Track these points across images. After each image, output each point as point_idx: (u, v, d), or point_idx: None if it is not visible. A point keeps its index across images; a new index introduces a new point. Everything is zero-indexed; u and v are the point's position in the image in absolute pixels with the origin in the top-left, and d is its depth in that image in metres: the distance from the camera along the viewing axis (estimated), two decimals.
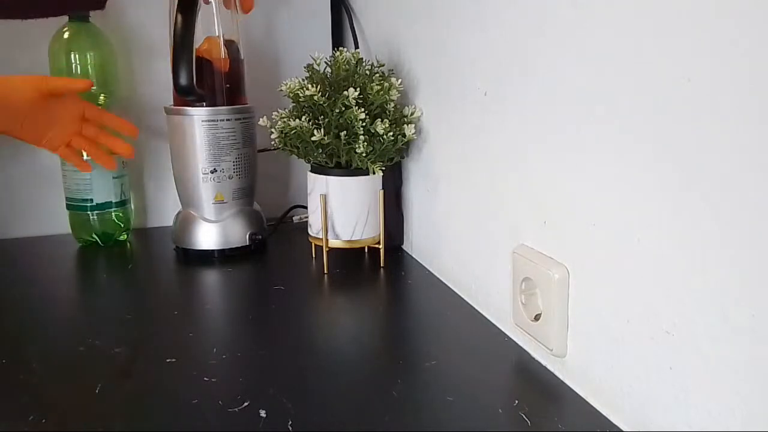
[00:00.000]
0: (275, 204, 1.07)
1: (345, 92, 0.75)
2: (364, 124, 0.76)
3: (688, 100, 0.37)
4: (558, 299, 0.51)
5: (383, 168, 0.78)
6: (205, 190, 0.88)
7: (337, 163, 0.79)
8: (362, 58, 0.80)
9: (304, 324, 0.66)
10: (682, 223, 0.39)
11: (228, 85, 0.87)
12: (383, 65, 0.82)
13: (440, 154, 0.76)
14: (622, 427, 0.46)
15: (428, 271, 0.81)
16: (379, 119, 0.76)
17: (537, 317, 0.55)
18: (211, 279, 0.82)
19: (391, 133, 0.76)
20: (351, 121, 0.75)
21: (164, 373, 0.55)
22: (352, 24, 1.02)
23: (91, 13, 0.93)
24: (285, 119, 0.77)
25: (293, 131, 0.77)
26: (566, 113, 0.50)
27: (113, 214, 0.96)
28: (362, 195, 0.80)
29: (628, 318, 0.44)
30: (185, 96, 0.82)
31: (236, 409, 0.49)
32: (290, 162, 1.13)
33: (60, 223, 0.98)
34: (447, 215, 0.75)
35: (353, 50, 0.83)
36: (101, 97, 0.94)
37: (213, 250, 0.88)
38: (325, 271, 0.81)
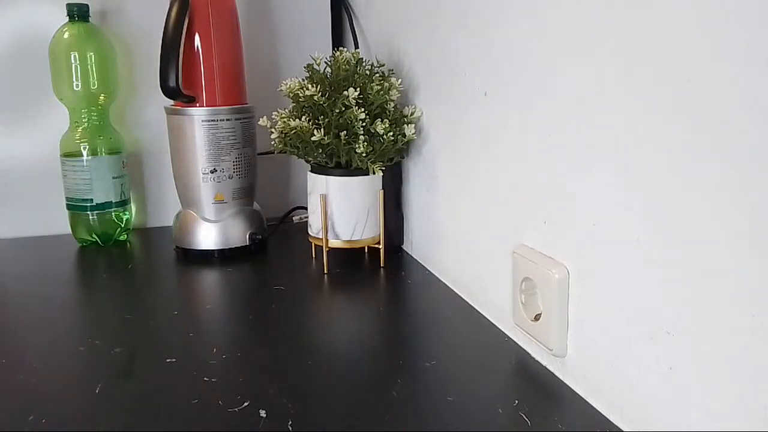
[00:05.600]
0: (275, 204, 1.07)
1: (345, 92, 0.75)
2: (364, 124, 0.76)
3: (688, 100, 0.37)
4: (558, 299, 0.51)
5: (383, 168, 0.78)
6: (205, 190, 0.88)
7: (337, 163, 0.79)
8: (362, 58, 0.80)
9: (304, 324, 0.66)
10: (682, 223, 0.39)
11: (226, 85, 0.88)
12: (383, 65, 0.82)
13: (440, 154, 0.76)
14: (622, 427, 0.46)
15: (428, 271, 0.81)
16: (379, 119, 0.76)
17: (537, 317, 0.55)
18: (211, 279, 0.82)
19: (391, 133, 0.76)
20: (351, 121, 0.75)
21: (164, 373, 0.55)
22: (352, 24, 1.02)
23: (91, 12, 0.93)
24: (285, 119, 0.77)
25: (293, 131, 0.77)
26: (566, 113, 0.50)
27: (113, 214, 0.96)
28: (362, 195, 0.80)
29: (628, 318, 0.44)
30: (171, 98, 0.83)
31: (236, 409, 0.49)
32: (290, 162, 1.13)
33: (60, 223, 0.98)
34: (447, 215, 0.75)
35: (353, 50, 0.83)
36: (101, 97, 0.94)
37: (213, 250, 0.88)
38: (325, 271, 0.81)
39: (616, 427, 0.46)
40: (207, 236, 0.88)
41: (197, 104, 0.86)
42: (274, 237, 0.98)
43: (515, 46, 0.57)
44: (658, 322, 0.41)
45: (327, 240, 0.80)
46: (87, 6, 0.92)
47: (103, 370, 0.56)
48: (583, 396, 0.50)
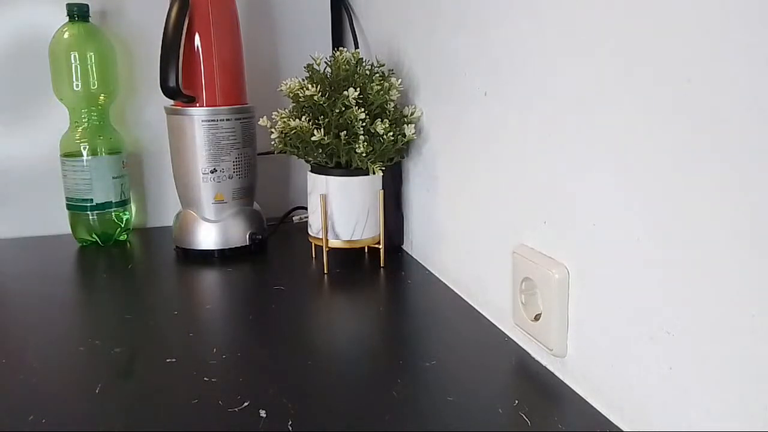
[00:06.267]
0: (275, 204, 1.07)
1: (345, 92, 0.75)
2: (364, 124, 0.76)
3: (688, 100, 0.37)
4: (558, 299, 0.51)
5: (383, 168, 0.78)
6: (205, 190, 0.88)
7: (337, 163, 0.79)
8: (362, 58, 0.80)
9: (304, 324, 0.66)
10: (682, 223, 0.39)
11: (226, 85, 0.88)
12: (383, 65, 0.82)
13: (440, 154, 0.76)
14: (622, 427, 0.46)
15: (428, 271, 0.81)
16: (379, 119, 0.76)
17: (537, 317, 0.55)
18: (211, 279, 0.82)
19: (391, 133, 0.76)
20: (351, 121, 0.75)
21: (164, 373, 0.55)
22: (352, 24, 1.02)
23: (91, 12, 0.93)
24: (285, 119, 0.77)
25: (293, 131, 0.77)
26: (566, 113, 0.50)
27: (113, 214, 0.96)
28: (362, 195, 0.80)
29: (628, 318, 0.44)
30: (171, 98, 0.83)
31: (236, 409, 0.49)
32: (290, 162, 1.13)
33: (60, 223, 0.98)
34: (447, 215, 0.75)
35: (353, 50, 0.83)
36: (101, 97, 0.94)
37: (213, 250, 0.88)
38: (325, 271, 0.81)
39: (616, 427, 0.46)
40: (207, 236, 0.88)
41: (197, 104, 0.86)
42: (274, 237, 0.98)
43: (515, 46, 0.57)
44: (658, 322, 0.41)
45: (327, 240, 0.80)
46: (87, 6, 0.92)
47: (103, 370, 0.56)
48: (583, 396, 0.50)
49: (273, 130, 0.80)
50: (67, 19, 0.92)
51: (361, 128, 0.75)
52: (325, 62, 0.80)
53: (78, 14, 0.91)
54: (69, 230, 0.97)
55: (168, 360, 0.58)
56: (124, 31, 1.01)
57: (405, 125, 0.77)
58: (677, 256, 0.39)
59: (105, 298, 0.75)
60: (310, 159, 0.80)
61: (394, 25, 0.88)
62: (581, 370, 0.50)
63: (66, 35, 0.91)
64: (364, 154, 0.76)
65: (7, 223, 1.01)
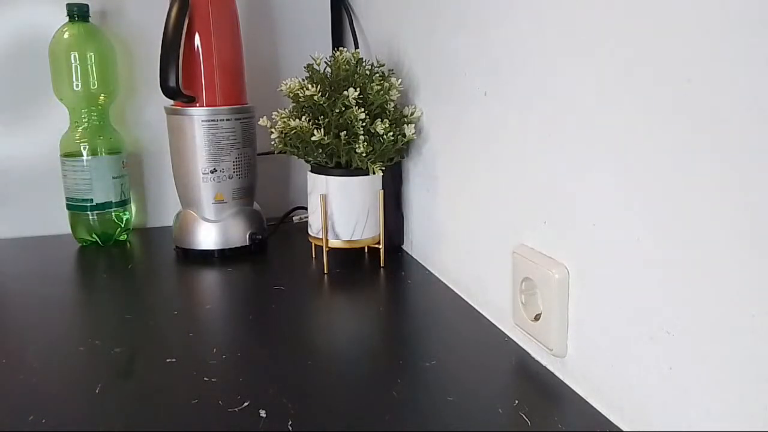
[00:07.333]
0: (275, 204, 1.07)
1: (345, 92, 0.75)
2: (364, 124, 0.76)
3: (688, 100, 0.37)
4: (558, 299, 0.51)
5: (383, 168, 0.78)
6: (205, 190, 0.88)
7: (337, 163, 0.79)
8: (362, 58, 0.80)
9: (304, 324, 0.66)
10: (682, 223, 0.39)
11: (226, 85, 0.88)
12: (383, 65, 0.82)
13: (440, 154, 0.76)
14: (622, 427, 0.46)
15: (428, 271, 0.81)
16: (379, 119, 0.76)
17: (537, 317, 0.55)
18: (211, 279, 0.82)
19: (391, 133, 0.76)
20: (351, 121, 0.75)
21: (164, 373, 0.55)
22: (352, 24, 1.02)
23: (91, 12, 0.93)
24: (285, 119, 0.77)
25: (293, 131, 0.77)
26: (566, 113, 0.50)
27: (113, 214, 0.96)
28: (362, 195, 0.80)
29: (628, 318, 0.44)
30: (171, 98, 0.83)
31: (236, 409, 0.49)
32: (290, 162, 1.13)
33: (60, 223, 0.98)
34: (447, 215, 0.75)
35: (353, 50, 0.83)
36: (101, 97, 0.94)
37: (213, 250, 0.88)
38: (325, 271, 0.81)
39: (616, 427, 0.46)
40: (207, 236, 0.88)
41: (197, 104, 0.86)
42: (274, 237, 0.98)
43: (515, 46, 0.57)
44: (658, 322, 0.41)
45: (327, 240, 0.80)
46: (87, 6, 0.92)
47: (103, 370, 0.56)
48: (583, 396, 0.50)
49: (273, 130, 0.80)
50: (67, 19, 0.92)
51: (361, 128, 0.75)
52: (325, 62, 0.80)
53: (78, 14, 0.91)
54: (69, 230, 0.97)
55: (168, 360, 0.58)
56: (124, 31, 1.01)
57: (405, 125, 0.77)
58: (677, 256, 0.39)
59: (105, 298, 0.75)
60: (310, 159, 0.80)
61: (394, 25, 0.88)
62: (581, 370, 0.50)
63: (66, 35, 0.91)
64: (364, 154, 0.76)
65: (7, 223, 1.01)
